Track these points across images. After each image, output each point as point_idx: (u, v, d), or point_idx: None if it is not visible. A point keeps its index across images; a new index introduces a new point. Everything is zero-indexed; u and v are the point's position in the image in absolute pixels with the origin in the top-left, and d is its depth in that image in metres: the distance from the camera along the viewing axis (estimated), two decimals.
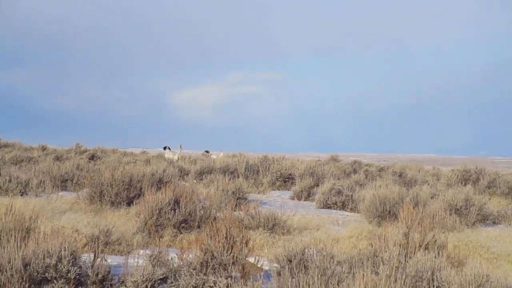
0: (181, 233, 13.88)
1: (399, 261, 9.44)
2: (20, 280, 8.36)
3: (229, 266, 9.58)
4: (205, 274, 9.28)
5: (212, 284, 9.04)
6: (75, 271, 8.77)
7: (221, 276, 9.15)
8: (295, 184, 24.04)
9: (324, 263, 9.30)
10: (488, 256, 13.48)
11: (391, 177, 28.86)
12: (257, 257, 10.17)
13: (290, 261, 9.66)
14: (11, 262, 8.47)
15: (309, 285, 8.45)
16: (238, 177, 23.71)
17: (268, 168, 27.01)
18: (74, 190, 20.04)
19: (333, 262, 9.38)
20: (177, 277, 9.20)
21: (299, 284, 8.60)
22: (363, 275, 8.37)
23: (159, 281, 9.03)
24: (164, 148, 36.66)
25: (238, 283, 8.99)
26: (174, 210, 14.06)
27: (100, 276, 8.94)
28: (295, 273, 9.19)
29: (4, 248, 8.69)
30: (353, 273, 8.91)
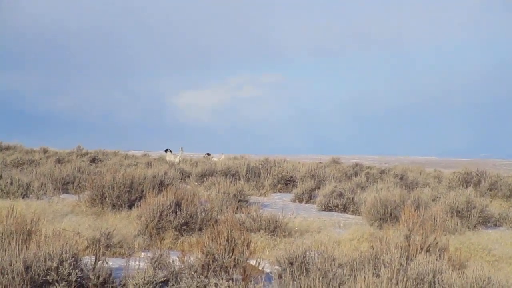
0: (182, 235, 13.88)
1: (401, 264, 9.44)
2: (22, 283, 8.36)
3: (230, 268, 9.58)
4: (206, 276, 9.28)
5: (214, 287, 9.03)
6: (76, 274, 8.77)
7: (222, 279, 9.15)
8: (296, 187, 24.04)
9: (325, 265, 9.29)
10: (490, 258, 13.47)
11: (392, 180, 28.83)
12: (258, 260, 10.16)
13: (292, 263, 9.66)
14: (12, 265, 8.48)
15: None
16: (240, 179, 23.71)
17: (270, 171, 27.02)
18: (75, 193, 20.05)
19: (334, 265, 9.38)
20: (179, 279, 9.20)
21: (300, 287, 8.59)
22: (365, 277, 8.37)
23: (160, 284, 9.03)
24: (166, 150, 36.65)
25: (240, 285, 8.99)
26: (176, 212, 14.06)
27: (101, 279, 8.94)
28: (296, 276, 9.19)
29: (5, 250, 8.69)
30: (355, 276, 8.91)
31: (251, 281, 9.40)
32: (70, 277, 8.72)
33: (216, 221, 13.44)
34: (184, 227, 14.05)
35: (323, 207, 20.42)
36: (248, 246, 9.91)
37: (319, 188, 23.19)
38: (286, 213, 15.42)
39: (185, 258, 9.74)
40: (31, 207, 15.15)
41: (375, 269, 9.27)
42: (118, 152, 45.37)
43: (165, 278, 9.15)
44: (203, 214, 14.37)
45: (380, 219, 16.87)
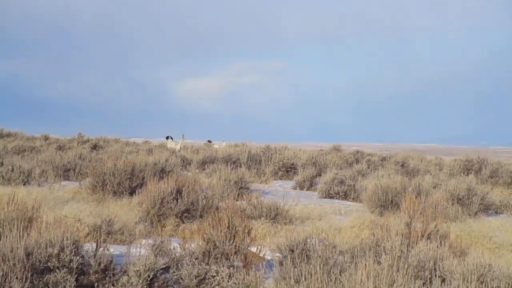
0: (183, 222, 13.89)
1: (401, 251, 9.44)
2: (23, 270, 8.37)
3: (231, 255, 9.59)
4: (207, 263, 9.29)
5: (215, 274, 9.05)
6: (77, 261, 8.78)
7: (223, 266, 9.16)
8: (297, 174, 24.03)
9: (326, 252, 9.30)
10: (490, 245, 13.48)
11: (393, 167, 28.84)
12: (259, 247, 10.17)
13: (292, 250, 9.67)
14: (13, 252, 8.49)
15: (311, 275, 8.46)
16: (241, 166, 23.72)
17: (271, 158, 27.02)
18: (76, 180, 20.06)
19: (335, 252, 9.39)
20: (180, 266, 9.22)
21: (301, 274, 8.60)
22: (365, 264, 8.37)
23: (161, 271, 9.04)
24: (167, 137, 36.65)
25: (240, 272, 9.00)
26: (177, 199, 14.06)
27: (102, 265, 8.95)
28: (297, 263, 9.20)
29: (6, 237, 8.70)
30: (355, 263, 8.92)
31: (252, 268, 9.42)
32: (71, 264, 8.73)
33: (217, 208, 13.44)
34: (185, 214, 14.06)
35: (324, 194, 20.43)
36: (249, 233, 9.92)
37: (320, 175, 23.20)
38: (287, 200, 15.42)
39: (186, 245, 9.75)
40: (32, 194, 15.15)
41: (376, 256, 9.27)
42: (119, 139, 45.39)
43: (166, 265, 9.16)
44: (204, 201, 14.38)
45: (381, 206, 16.87)
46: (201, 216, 14.03)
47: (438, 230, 10.69)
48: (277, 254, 9.84)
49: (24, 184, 17.79)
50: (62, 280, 8.54)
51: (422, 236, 10.35)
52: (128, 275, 8.85)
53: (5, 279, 8.20)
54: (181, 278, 9.11)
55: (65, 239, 8.84)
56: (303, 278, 8.53)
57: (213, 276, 9.05)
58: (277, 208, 14.78)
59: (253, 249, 10.03)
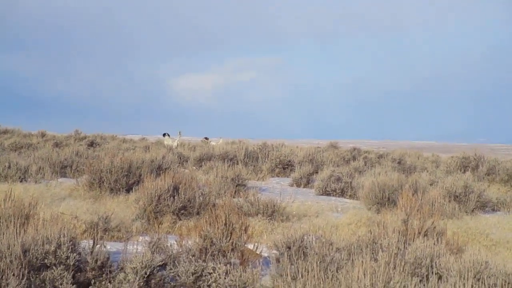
0: (180, 219, 13.89)
1: (398, 248, 9.45)
2: (20, 266, 8.37)
3: (228, 252, 9.59)
4: (204, 260, 9.29)
5: (211, 271, 9.05)
6: (74, 258, 8.77)
7: (220, 263, 9.16)
8: (294, 171, 24.05)
9: (323, 250, 9.31)
10: (487, 243, 13.50)
11: (390, 164, 28.87)
12: (256, 244, 10.18)
13: (289, 248, 9.67)
14: (10, 249, 8.48)
15: (308, 272, 8.46)
16: (238, 164, 23.71)
17: (268, 155, 27.03)
18: (73, 177, 20.05)
19: (332, 249, 9.39)
20: (176, 263, 9.21)
21: (298, 271, 8.61)
22: (362, 262, 8.38)
23: (158, 268, 9.04)
24: (164, 134, 36.65)
25: (237, 269, 9.00)
26: (173, 196, 14.06)
27: (99, 262, 8.95)
28: (294, 260, 9.20)
29: (3, 234, 8.69)
30: (352, 260, 8.92)
31: (249, 265, 9.42)
32: (68, 260, 8.73)
33: (214, 205, 13.44)
34: (182, 211, 14.06)
35: (321, 191, 20.44)
36: (246, 230, 9.93)
37: (317, 172, 23.20)
38: (284, 197, 15.44)
39: (183, 242, 9.75)
40: (29, 190, 15.14)
41: (372, 253, 9.28)
42: (116, 136, 45.36)
43: (163, 262, 9.15)
44: (201, 198, 14.38)
45: (378, 203, 16.88)
46: (198, 213, 14.02)
47: (435, 227, 10.71)
48: (274, 251, 9.84)
49: (21, 181, 17.77)
50: (59, 277, 8.54)
51: (419, 233, 10.36)
52: (125, 272, 8.85)
53: (2, 276, 8.20)
54: (178, 275, 9.11)
55: (62, 236, 8.83)
56: (300, 275, 8.53)
57: (210, 273, 9.05)
58: (274, 205, 14.78)
59: (250, 246, 10.04)
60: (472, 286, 8.06)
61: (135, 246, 9.50)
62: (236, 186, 18.33)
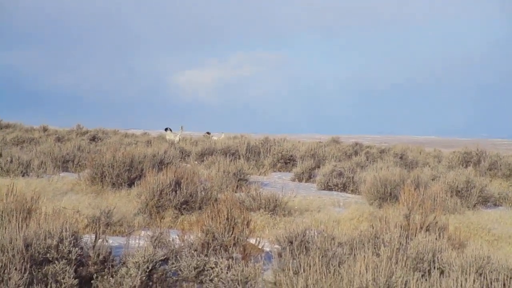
0: (182, 214, 13.90)
1: (400, 243, 9.45)
2: (22, 261, 8.37)
3: (230, 247, 9.60)
4: (206, 255, 9.29)
5: (213, 265, 9.05)
6: (76, 252, 8.78)
7: (222, 257, 9.16)
8: (296, 166, 24.04)
9: (325, 244, 9.31)
10: (489, 238, 13.50)
11: (392, 159, 28.85)
12: (258, 239, 10.18)
13: (291, 242, 9.67)
14: (12, 243, 8.48)
15: (310, 267, 8.46)
16: (239, 158, 23.71)
17: (269, 150, 27.03)
18: (75, 171, 20.06)
19: (334, 244, 9.39)
20: (178, 258, 9.22)
21: (300, 266, 8.61)
22: (364, 256, 8.38)
23: (160, 262, 9.04)
24: (165, 129, 36.58)
25: (239, 264, 9.01)
26: (175, 191, 14.06)
27: (101, 257, 8.95)
28: (296, 255, 9.20)
29: (5, 228, 8.70)
30: (354, 255, 8.92)
31: (251, 259, 9.42)
32: (70, 255, 8.73)
33: (216, 200, 13.45)
34: (184, 206, 14.07)
35: (323, 186, 20.44)
36: (248, 225, 9.92)
37: (319, 167, 23.20)
38: (286, 192, 15.43)
39: (185, 236, 9.75)
40: (31, 185, 15.15)
41: (374, 248, 9.28)
42: (118, 130, 45.38)
43: (165, 257, 9.16)
44: (203, 193, 14.38)
45: (380, 198, 16.88)
46: (200, 208, 14.03)
47: (436, 222, 10.70)
48: (276, 246, 9.84)
49: (23, 176, 17.79)
50: (61, 271, 8.54)
51: (421, 228, 10.35)
52: (127, 267, 8.85)
53: (4, 270, 8.20)
54: (180, 270, 9.11)
55: (64, 230, 8.84)
56: (302, 270, 8.54)
57: (212, 268, 9.05)
58: (276, 200, 14.78)
59: (252, 241, 10.04)
60: (474, 281, 8.06)
61: (137, 241, 9.51)
62: (238, 180, 18.33)
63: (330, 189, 20.18)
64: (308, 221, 12.75)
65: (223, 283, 8.90)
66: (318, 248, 9.21)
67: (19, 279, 8.14)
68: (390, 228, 9.90)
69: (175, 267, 9.16)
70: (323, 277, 8.37)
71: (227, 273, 8.95)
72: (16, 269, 8.24)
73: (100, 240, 9.12)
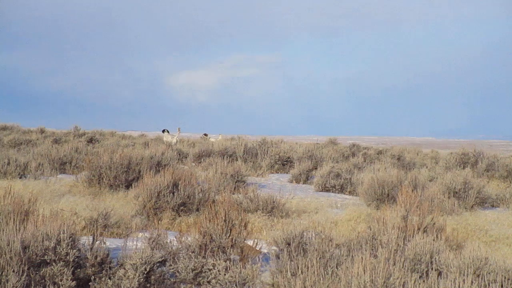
0: (180, 216, 13.89)
1: (398, 244, 9.46)
2: (19, 263, 8.37)
3: (228, 249, 9.60)
4: (204, 257, 9.29)
5: (211, 267, 9.05)
6: (74, 254, 8.77)
7: (219, 259, 9.16)
8: (293, 167, 24.04)
9: (322, 246, 9.31)
10: (487, 239, 13.50)
11: (389, 160, 28.87)
12: (255, 240, 10.18)
13: (289, 244, 9.67)
14: (10, 245, 8.48)
15: (307, 268, 8.47)
16: (237, 160, 23.72)
17: (267, 151, 27.03)
18: (72, 173, 20.05)
19: (331, 245, 9.39)
20: (176, 260, 9.22)
21: (298, 267, 8.61)
22: (362, 258, 8.38)
23: (157, 264, 9.04)
24: (163, 131, 36.57)
25: (237, 265, 9.01)
26: (173, 193, 14.06)
27: (99, 259, 8.95)
28: (293, 256, 9.20)
29: (3, 231, 8.69)
30: (352, 256, 8.93)
31: (248, 261, 9.42)
32: (68, 257, 8.73)
33: (213, 202, 13.43)
34: (181, 208, 14.06)
35: (320, 187, 20.44)
36: (245, 226, 9.93)
37: (316, 168, 23.21)
38: (283, 193, 15.43)
39: (183, 238, 9.74)
40: (28, 187, 15.14)
41: (372, 249, 9.29)
42: (115, 132, 45.35)
43: (162, 258, 9.16)
44: (200, 194, 14.38)
45: (377, 199, 16.89)
46: (197, 210, 14.03)
47: (434, 224, 10.71)
48: (274, 248, 9.84)
49: (20, 177, 17.78)
50: (58, 273, 8.54)
51: (419, 229, 10.36)
52: (124, 268, 8.85)
53: (2, 272, 8.20)
54: (178, 271, 9.11)
55: (61, 232, 8.83)
56: (300, 271, 8.54)
57: (210, 269, 9.05)
58: (274, 202, 14.78)
59: (250, 243, 10.03)
60: (471, 282, 8.06)
61: (134, 243, 9.51)
62: (236, 182, 18.32)
63: (328, 191, 20.19)
64: (306, 223, 12.76)
65: (221, 284, 8.90)
66: (316, 250, 9.21)
67: (16, 281, 8.14)
68: (388, 229, 9.90)
69: (172, 269, 9.16)
70: (321, 278, 8.38)
71: (224, 274, 8.95)
72: (13, 271, 8.23)
73: (97, 242, 9.12)
